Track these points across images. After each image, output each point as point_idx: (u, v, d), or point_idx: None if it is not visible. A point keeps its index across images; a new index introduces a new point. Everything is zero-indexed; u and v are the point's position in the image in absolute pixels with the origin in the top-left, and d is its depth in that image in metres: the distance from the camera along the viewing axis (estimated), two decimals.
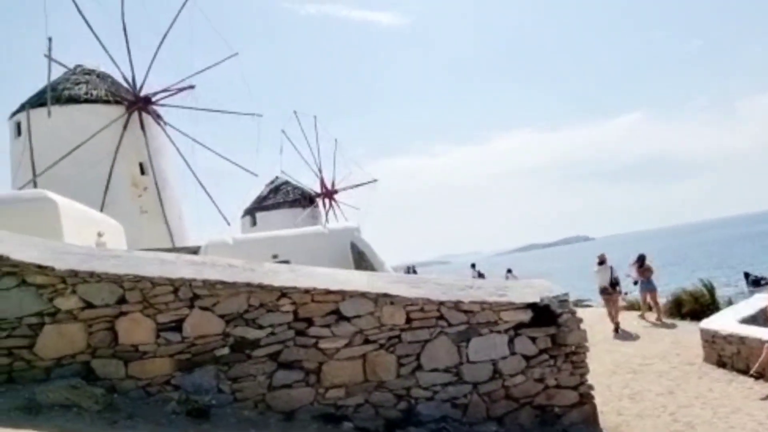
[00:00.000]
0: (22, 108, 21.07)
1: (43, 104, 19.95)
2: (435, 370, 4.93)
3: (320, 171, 35.85)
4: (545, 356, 5.14)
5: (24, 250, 4.59)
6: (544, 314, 5.19)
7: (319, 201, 35.23)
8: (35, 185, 18.17)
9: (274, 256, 13.31)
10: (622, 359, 8.49)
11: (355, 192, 36.54)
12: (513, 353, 5.11)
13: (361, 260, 14.55)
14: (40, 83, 20.81)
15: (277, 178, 35.00)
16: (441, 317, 5.02)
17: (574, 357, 5.19)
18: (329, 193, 35.88)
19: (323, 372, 4.71)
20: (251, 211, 33.60)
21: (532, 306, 5.19)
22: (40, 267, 4.41)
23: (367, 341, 4.83)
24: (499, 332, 5.12)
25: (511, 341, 5.13)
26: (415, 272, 19.70)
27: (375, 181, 36.73)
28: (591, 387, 5.26)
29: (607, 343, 9.84)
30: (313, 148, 35.61)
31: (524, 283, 5.87)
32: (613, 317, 11.09)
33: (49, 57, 19.95)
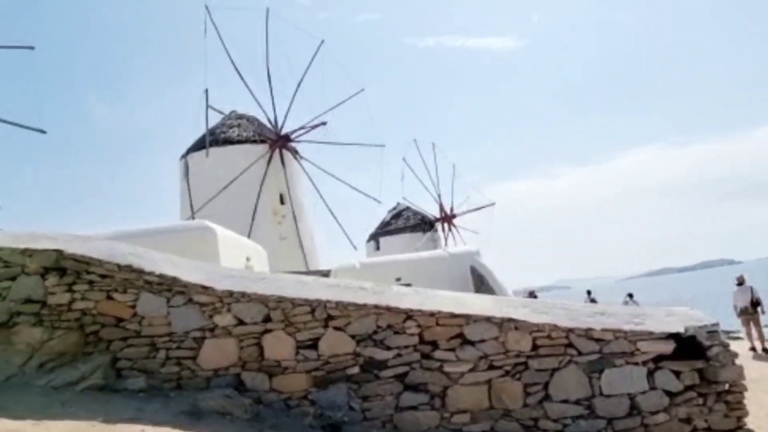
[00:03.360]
0: (189, 151, 24.06)
1: (204, 147, 22.61)
2: (565, 401, 4.54)
3: (439, 196, 35.99)
4: (692, 394, 4.49)
5: (190, 272, 5.10)
6: (689, 346, 4.57)
7: (439, 225, 35.26)
8: (193, 217, 20.52)
9: (398, 279, 13.46)
10: None
11: (474, 216, 36.07)
12: (653, 388, 4.54)
13: (482, 284, 14.16)
14: (203, 128, 23.66)
15: (398, 204, 35.79)
16: (570, 345, 4.64)
17: (729, 396, 4.47)
18: (448, 218, 35.78)
19: (448, 396, 4.57)
20: (375, 236, 34.60)
21: (674, 336, 4.61)
22: (203, 287, 4.85)
23: (492, 367, 4.60)
24: (635, 364, 4.59)
25: (650, 374, 4.57)
26: (535, 297, 18.75)
27: (492, 204, 35.96)
28: None
29: (766, 381, 8.41)
30: (432, 174, 35.92)
31: (665, 311, 5.25)
32: (755, 338, 10.81)
33: (207, 106, 22.64)
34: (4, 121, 15.08)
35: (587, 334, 4.63)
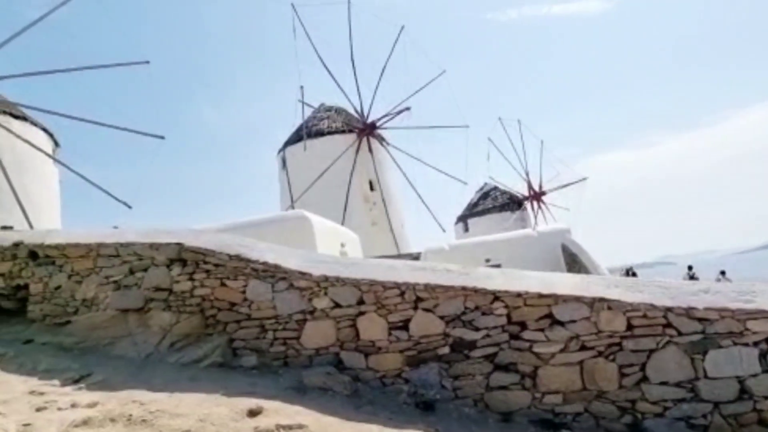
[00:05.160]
0: (285, 145, 25.33)
1: (299, 140, 23.69)
2: (664, 383, 4.27)
3: (527, 174, 34.66)
4: None
5: (290, 259, 5.43)
6: None
7: (527, 204, 34.04)
8: (293, 207, 21.64)
9: (487, 260, 13.28)
10: None
11: (564, 192, 34.34)
12: (767, 371, 4.15)
13: (574, 263, 13.54)
14: (297, 122, 24.79)
15: (485, 184, 34.98)
16: (668, 325, 4.34)
17: None
18: (537, 196, 34.38)
19: (539, 376, 4.49)
20: (463, 218, 34.18)
21: None
22: (302, 273, 5.17)
23: (583, 347, 4.44)
24: (745, 344, 4.20)
25: (763, 356, 4.16)
26: (634, 274, 17.53)
27: (584, 179, 33.96)
28: None
29: None
30: (519, 152, 34.62)
31: None
32: None
33: (302, 102, 23.64)
34: (129, 130, 16.83)
35: (688, 313, 4.30)
